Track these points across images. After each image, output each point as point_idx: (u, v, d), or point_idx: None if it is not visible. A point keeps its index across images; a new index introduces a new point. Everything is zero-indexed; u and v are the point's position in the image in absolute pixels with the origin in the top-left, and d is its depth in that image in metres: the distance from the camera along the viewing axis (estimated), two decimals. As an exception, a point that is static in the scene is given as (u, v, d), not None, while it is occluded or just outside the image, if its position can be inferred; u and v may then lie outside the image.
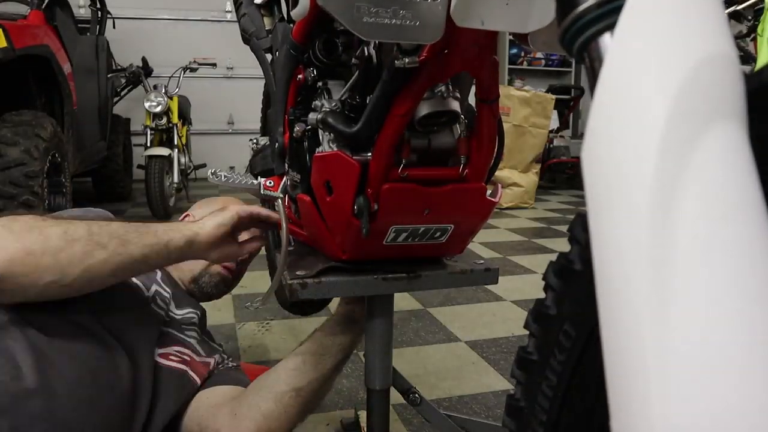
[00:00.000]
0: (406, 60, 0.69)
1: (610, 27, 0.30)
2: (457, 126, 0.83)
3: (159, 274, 1.15)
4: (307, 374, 1.01)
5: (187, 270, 1.26)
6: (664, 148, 0.26)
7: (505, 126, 4.37)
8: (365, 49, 0.78)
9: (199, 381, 1.05)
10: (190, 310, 1.19)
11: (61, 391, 0.81)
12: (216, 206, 1.07)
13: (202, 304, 1.26)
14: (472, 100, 0.86)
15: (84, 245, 0.80)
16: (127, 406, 0.91)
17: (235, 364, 1.17)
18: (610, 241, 0.28)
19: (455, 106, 0.79)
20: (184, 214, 1.28)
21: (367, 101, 0.79)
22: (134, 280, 1.05)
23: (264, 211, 0.98)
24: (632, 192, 0.27)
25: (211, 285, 1.26)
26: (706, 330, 0.24)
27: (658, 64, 0.27)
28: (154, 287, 1.11)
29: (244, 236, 1.01)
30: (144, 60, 4.39)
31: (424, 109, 0.77)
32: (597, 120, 0.29)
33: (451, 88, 0.78)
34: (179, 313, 1.17)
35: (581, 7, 0.31)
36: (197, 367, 1.07)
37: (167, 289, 1.16)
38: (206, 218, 0.94)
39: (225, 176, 1.01)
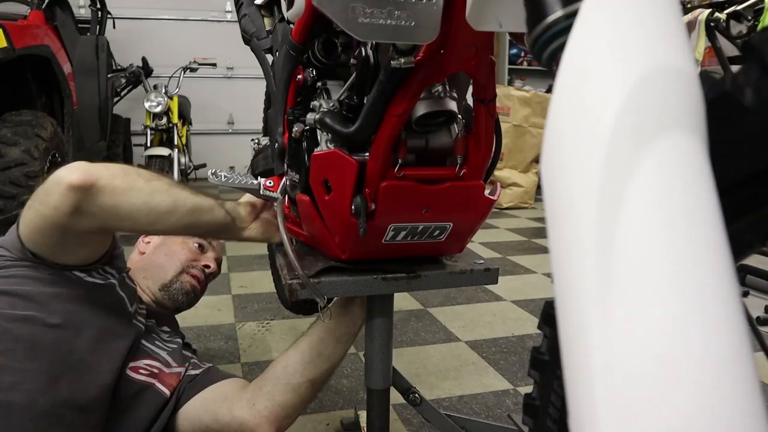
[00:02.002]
0: (402, 60, 0.69)
1: None
2: (455, 126, 0.83)
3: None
4: (321, 365, 1.05)
5: (158, 277, 1.30)
6: (608, 160, 0.26)
7: (505, 126, 4.36)
8: (363, 49, 0.78)
9: (167, 392, 1.08)
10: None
11: (20, 402, 0.86)
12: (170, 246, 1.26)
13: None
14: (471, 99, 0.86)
15: (166, 186, 0.91)
16: (88, 419, 0.95)
17: (208, 365, 1.20)
18: (562, 248, 0.28)
19: (452, 106, 0.79)
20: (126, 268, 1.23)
21: (365, 101, 0.79)
22: (119, 291, 1.08)
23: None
24: (579, 204, 0.27)
25: (182, 292, 1.30)
26: (643, 343, 0.25)
27: (604, 76, 0.27)
28: (135, 304, 1.13)
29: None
30: (144, 60, 4.39)
31: (421, 109, 0.77)
32: (550, 130, 0.29)
33: (448, 87, 0.79)
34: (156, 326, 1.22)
35: (550, 18, 0.31)
36: (165, 379, 1.09)
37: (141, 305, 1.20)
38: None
39: (225, 176, 1.01)
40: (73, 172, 0.83)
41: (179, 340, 1.23)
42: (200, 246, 1.37)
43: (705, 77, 0.35)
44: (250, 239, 1.02)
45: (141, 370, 1.08)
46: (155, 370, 1.10)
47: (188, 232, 1.02)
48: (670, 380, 0.24)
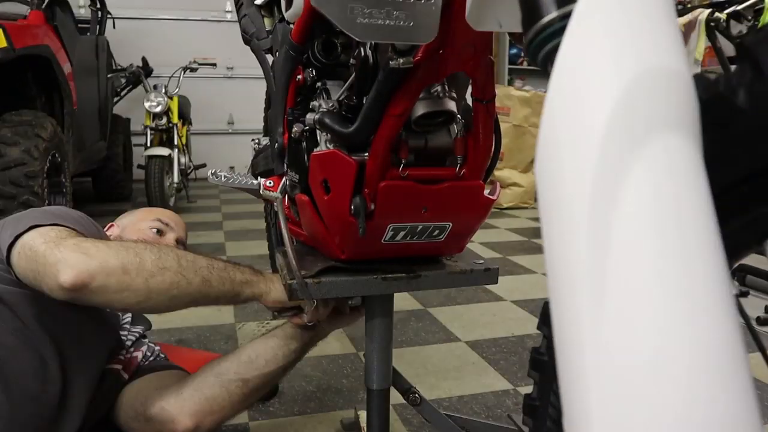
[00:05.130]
0: (401, 60, 0.69)
1: None
2: (454, 126, 0.83)
3: None
4: (257, 367, 1.03)
5: None
6: (602, 161, 0.26)
7: (505, 126, 4.36)
8: (362, 49, 0.78)
9: (127, 376, 1.10)
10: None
11: None
12: (139, 215, 1.23)
13: None
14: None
15: (173, 276, 0.86)
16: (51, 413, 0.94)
17: (163, 355, 1.22)
18: (555, 248, 0.28)
19: (451, 105, 0.79)
20: (108, 225, 1.24)
21: (364, 102, 0.79)
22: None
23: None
24: (572, 205, 0.27)
25: None
26: (636, 342, 0.25)
27: (598, 77, 0.27)
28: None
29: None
30: (144, 60, 4.39)
31: (420, 109, 0.77)
32: (544, 131, 0.29)
33: (447, 87, 0.79)
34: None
35: (545, 19, 0.31)
36: (128, 364, 1.12)
37: None
38: (277, 282, 0.97)
39: (225, 176, 1.02)
40: (66, 271, 0.79)
41: (140, 329, 1.25)
42: (159, 231, 1.22)
43: (699, 78, 0.35)
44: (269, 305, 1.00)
45: (115, 361, 1.11)
46: (122, 357, 1.13)
47: (198, 304, 0.94)
48: (663, 380, 0.24)
